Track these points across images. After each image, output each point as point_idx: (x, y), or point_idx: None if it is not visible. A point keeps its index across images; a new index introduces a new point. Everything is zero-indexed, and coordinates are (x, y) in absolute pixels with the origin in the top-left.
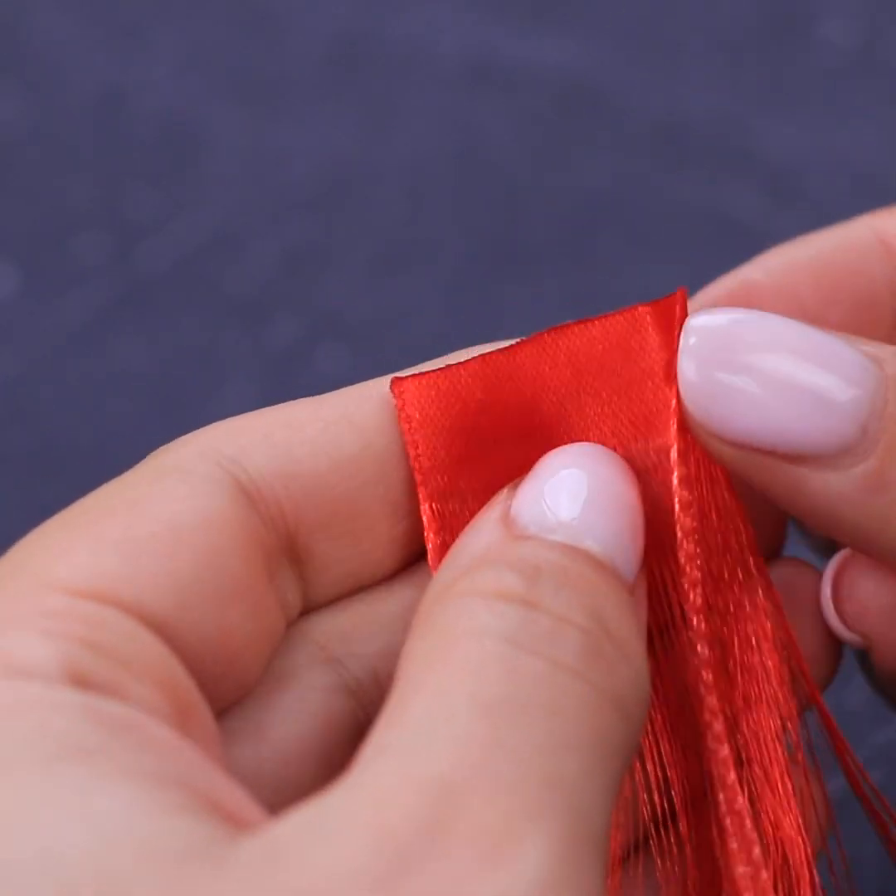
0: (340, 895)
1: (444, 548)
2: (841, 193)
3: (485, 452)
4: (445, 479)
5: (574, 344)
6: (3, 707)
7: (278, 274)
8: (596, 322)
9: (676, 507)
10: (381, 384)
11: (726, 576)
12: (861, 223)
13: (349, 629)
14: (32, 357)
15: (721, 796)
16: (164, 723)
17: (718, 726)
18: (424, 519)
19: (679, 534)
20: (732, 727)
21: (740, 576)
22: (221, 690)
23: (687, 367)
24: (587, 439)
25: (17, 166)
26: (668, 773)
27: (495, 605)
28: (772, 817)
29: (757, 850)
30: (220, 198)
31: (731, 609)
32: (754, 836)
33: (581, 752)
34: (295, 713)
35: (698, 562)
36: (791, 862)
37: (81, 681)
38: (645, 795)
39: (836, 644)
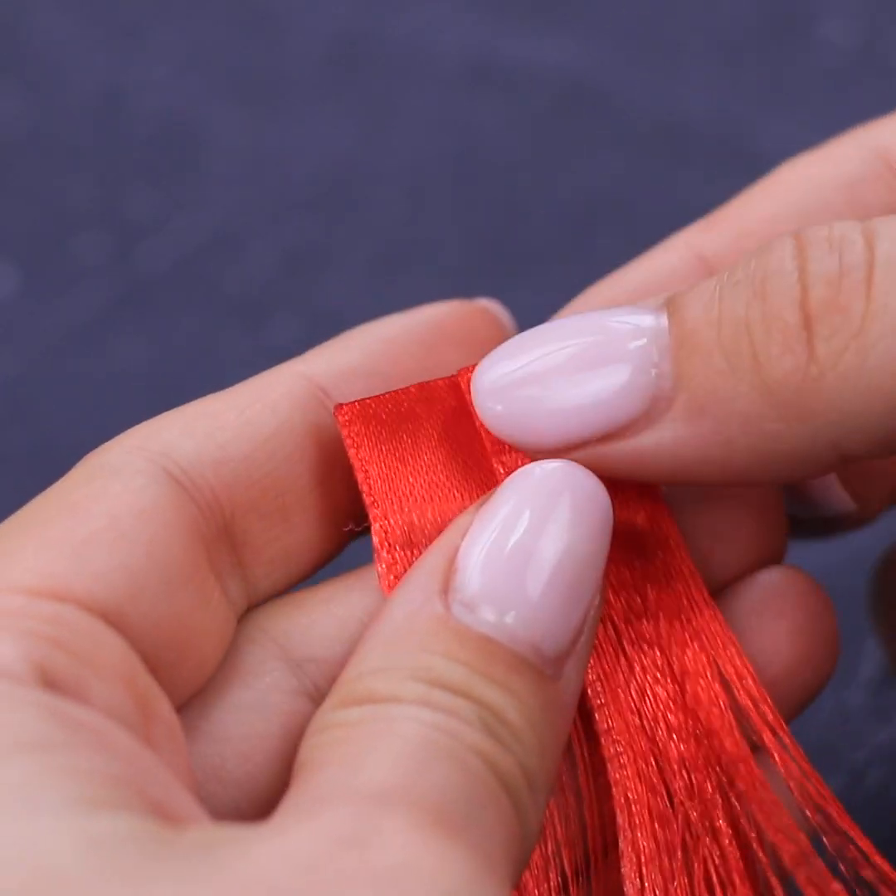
0: (275, 883)
1: (393, 564)
2: None
3: (428, 471)
4: (393, 500)
5: None
6: None
7: (278, 274)
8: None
9: None
10: (289, 366)
11: (664, 603)
12: (675, 245)
13: (312, 632)
14: (32, 357)
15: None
16: (125, 725)
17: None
18: (375, 539)
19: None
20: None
21: (679, 602)
22: (178, 682)
23: (481, 410)
24: (524, 457)
25: (17, 166)
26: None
27: (405, 708)
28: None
29: None
30: (219, 198)
31: (671, 638)
32: None
33: (485, 810)
34: (256, 712)
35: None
36: None
37: (49, 681)
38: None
39: (833, 644)
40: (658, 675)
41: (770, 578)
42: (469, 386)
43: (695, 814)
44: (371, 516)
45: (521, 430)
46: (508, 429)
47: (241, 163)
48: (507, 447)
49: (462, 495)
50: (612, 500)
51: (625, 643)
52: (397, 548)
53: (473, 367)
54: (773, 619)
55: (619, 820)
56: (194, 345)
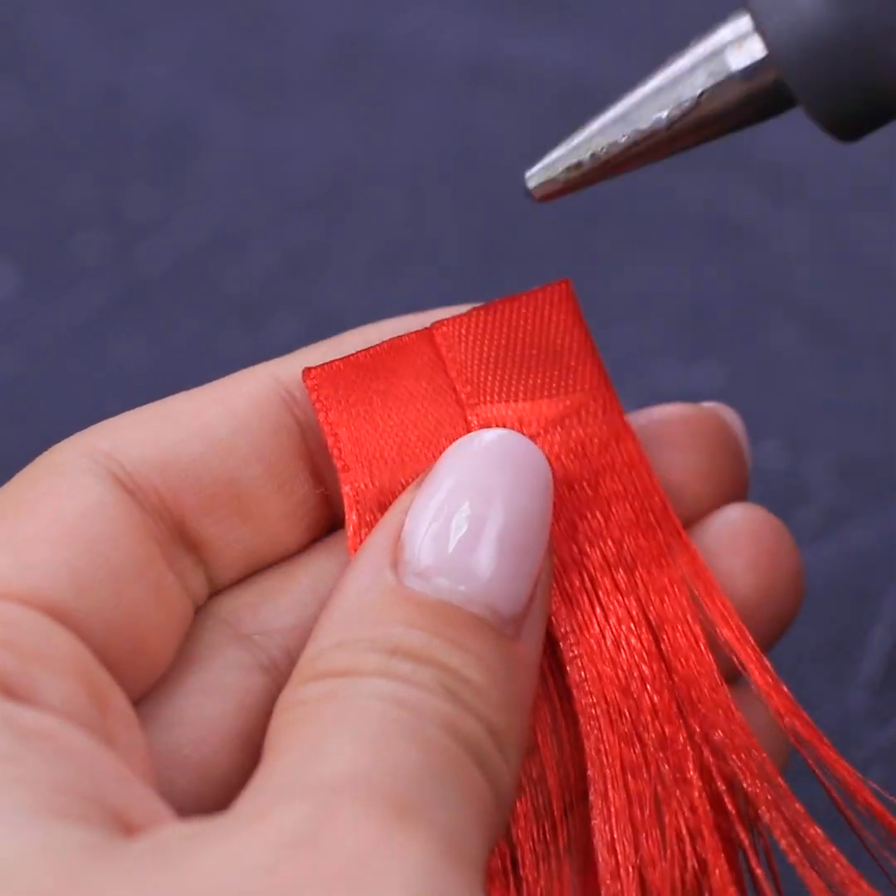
0: (227, 889)
1: (362, 527)
2: (841, 193)
3: (398, 430)
4: (363, 463)
5: (486, 322)
6: None
7: (278, 274)
8: (506, 303)
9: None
10: (263, 367)
11: (641, 550)
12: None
13: (260, 607)
14: (32, 356)
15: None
16: (80, 722)
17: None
18: (345, 501)
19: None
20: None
21: (656, 548)
22: (133, 676)
23: None
24: (499, 407)
25: (17, 166)
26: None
27: (364, 682)
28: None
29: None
30: (219, 197)
31: (648, 586)
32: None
33: (445, 783)
34: (210, 694)
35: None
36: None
37: (3, 688)
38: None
39: (796, 580)
40: (632, 624)
41: (729, 516)
42: (443, 339)
43: (667, 766)
44: (341, 479)
45: None
46: None
47: (241, 163)
48: (481, 399)
49: (435, 455)
50: (587, 449)
51: (600, 593)
52: (368, 511)
53: (446, 320)
54: (732, 556)
55: (590, 772)
56: (194, 345)
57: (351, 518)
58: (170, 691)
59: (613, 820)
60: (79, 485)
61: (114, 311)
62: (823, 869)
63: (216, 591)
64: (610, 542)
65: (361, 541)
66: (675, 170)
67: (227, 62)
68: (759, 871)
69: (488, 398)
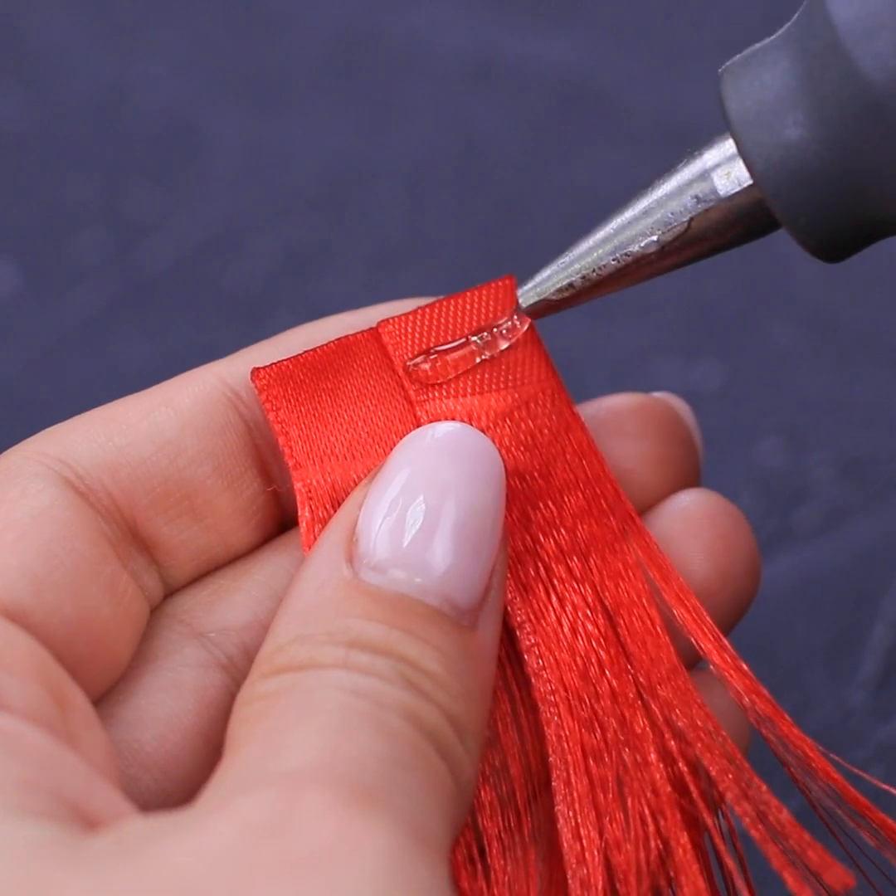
0: (197, 886)
1: (315, 523)
2: None
3: (349, 428)
4: (315, 460)
5: (432, 320)
6: None
7: (278, 272)
8: (451, 300)
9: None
10: (201, 371)
11: (594, 537)
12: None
13: (215, 605)
14: (33, 355)
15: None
16: (41, 722)
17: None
18: (298, 497)
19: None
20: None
21: (610, 534)
22: (92, 675)
23: None
24: (448, 403)
25: (17, 165)
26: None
27: (323, 674)
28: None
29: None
30: (220, 196)
31: (602, 572)
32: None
33: (408, 771)
34: (169, 692)
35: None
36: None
37: None
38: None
39: (752, 562)
40: (588, 611)
41: (683, 502)
42: (390, 337)
43: (627, 749)
44: (293, 476)
45: None
46: None
47: (241, 162)
48: (429, 396)
49: (385, 451)
50: (537, 440)
51: (555, 582)
52: (321, 507)
53: (392, 319)
54: (687, 540)
55: (552, 758)
56: (194, 343)
57: (304, 514)
58: (130, 690)
59: (577, 805)
60: (30, 489)
61: (114, 310)
62: (786, 844)
63: (171, 590)
64: (563, 531)
65: (315, 537)
66: None
67: (227, 62)
68: (723, 849)
69: (436, 394)
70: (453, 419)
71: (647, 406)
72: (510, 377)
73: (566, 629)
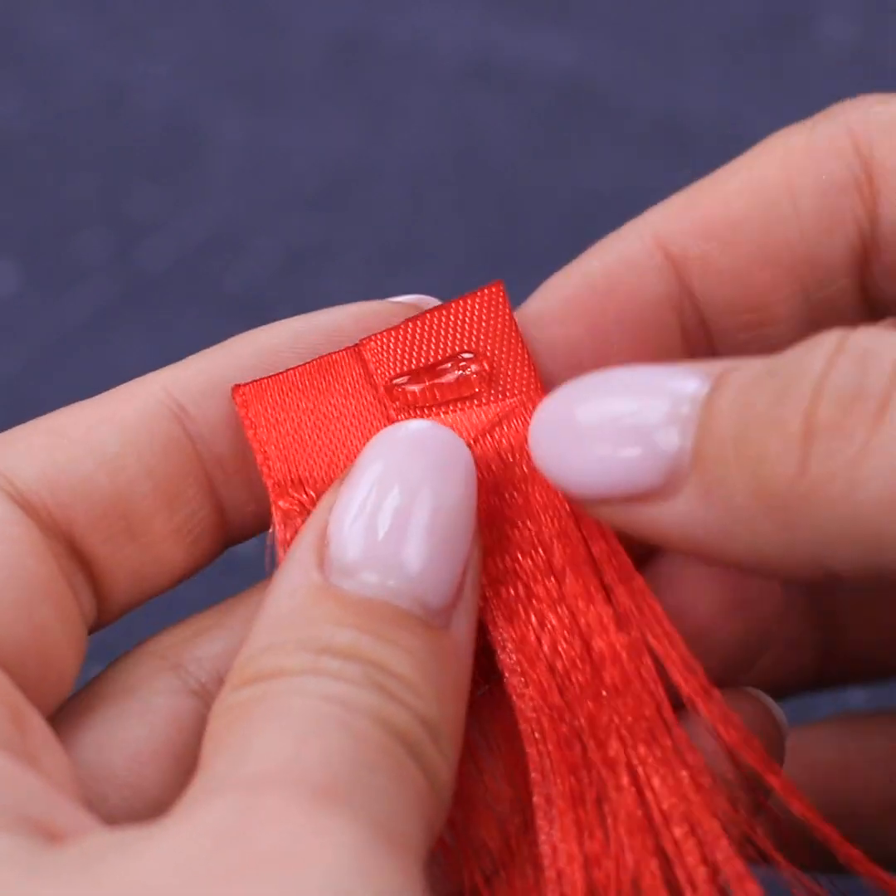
0: (152, 886)
1: (289, 543)
2: None
3: (329, 449)
4: (294, 480)
5: (416, 335)
6: None
7: (279, 272)
8: (436, 312)
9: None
10: (147, 380)
11: (569, 557)
12: (635, 232)
13: (192, 637)
14: (33, 355)
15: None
16: (1, 746)
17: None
18: (276, 516)
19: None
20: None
21: (584, 554)
22: (43, 695)
23: (533, 446)
24: (429, 420)
25: (18, 164)
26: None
27: (293, 681)
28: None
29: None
30: (220, 196)
31: (576, 594)
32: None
33: (377, 772)
34: (141, 717)
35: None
36: None
37: None
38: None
39: (755, 628)
40: (566, 632)
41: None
42: (371, 355)
43: (604, 769)
44: (271, 496)
45: (563, 476)
46: (553, 471)
47: (242, 161)
48: (411, 413)
49: None
50: (517, 456)
51: (534, 602)
52: (297, 527)
53: (375, 335)
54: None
55: (532, 775)
56: (195, 342)
57: (282, 535)
58: (101, 716)
59: (558, 820)
60: None
61: (115, 310)
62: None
63: (109, 615)
64: (541, 551)
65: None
66: (675, 169)
67: (228, 61)
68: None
69: (418, 412)
70: None
71: None
72: (495, 390)
73: (546, 649)
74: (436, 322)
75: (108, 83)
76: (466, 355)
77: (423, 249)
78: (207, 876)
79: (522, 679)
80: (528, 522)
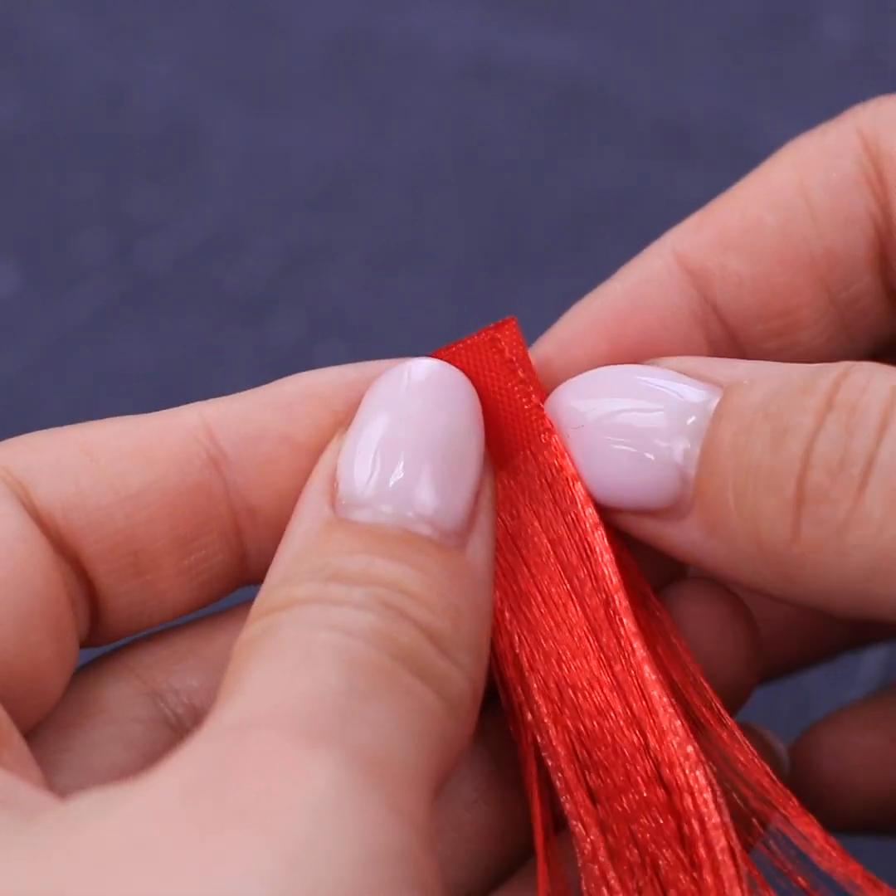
0: (138, 844)
1: None
2: None
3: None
4: None
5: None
6: None
7: (279, 272)
8: (445, 352)
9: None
10: (186, 413)
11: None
12: (655, 252)
13: (172, 666)
14: (33, 355)
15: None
16: None
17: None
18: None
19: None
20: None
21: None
22: (25, 714)
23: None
24: None
25: (18, 164)
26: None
27: (299, 611)
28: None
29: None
30: (220, 196)
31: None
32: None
33: (371, 700)
34: (117, 744)
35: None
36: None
37: None
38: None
39: (754, 654)
40: (588, 656)
41: (679, 591)
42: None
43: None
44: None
45: (590, 480)
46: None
47: (242, 161)
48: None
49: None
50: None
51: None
52: None
53: (504, 328)
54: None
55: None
56: (195, 342)
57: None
58: (79, 740)
59: (591, 841)
60: None
61: (115, 310)
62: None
63: (103, 638)
64: (561, 576)
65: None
66: (675, 169)
67: (228, 61)
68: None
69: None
70: None
71: None
72: (506, 428)
73: (568, 670)
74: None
75: (108, 83)
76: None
77: (423, 249)
78: (182, 828)
79: (547, 698)
80: (541, 548)
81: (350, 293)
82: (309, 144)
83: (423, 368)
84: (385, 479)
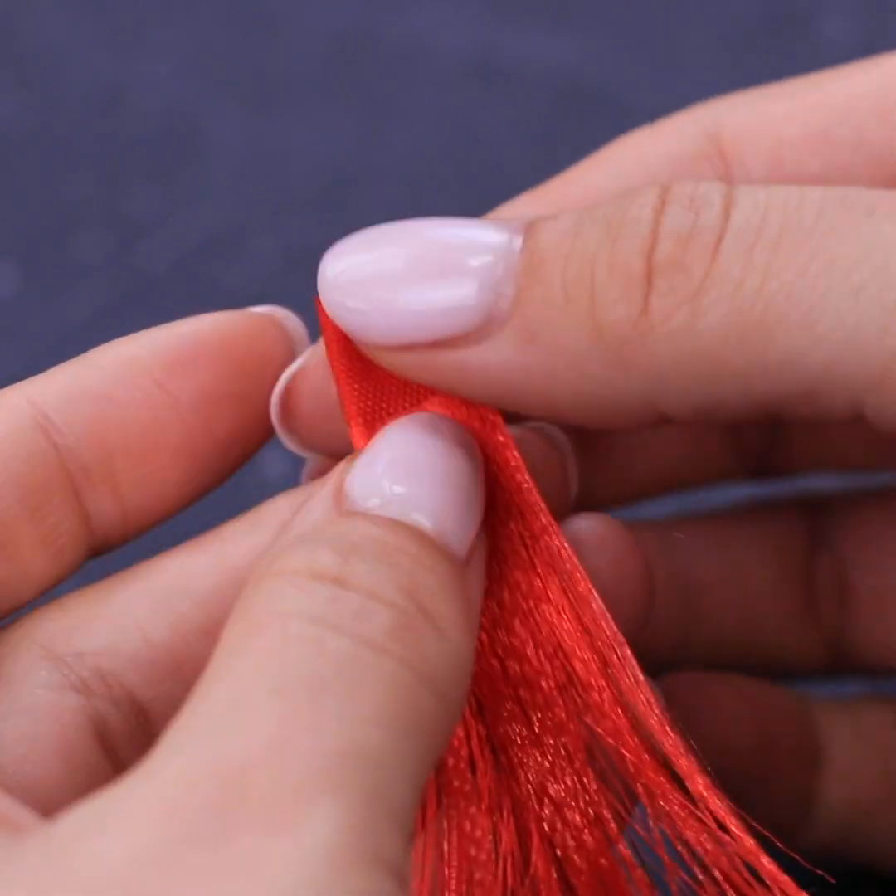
0: (122, 881)
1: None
2: None
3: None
4: (368, 401)
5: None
6: None
7: (278, 272)
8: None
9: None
10: (8, 393)
11: (515, 540)
12: (690, 130)
13: (74, 631)
14: (33, 355)
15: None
16: None
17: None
18: (353, 437)
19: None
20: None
21: (528, 537)
22: None
23: (328, 303)
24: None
25: (17, 165)
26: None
27: (305, 585)
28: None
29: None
30: (220, 196)
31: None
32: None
33: (382, 727)
34: (26, 714)
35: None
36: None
37: None
38: None
39: (647, 583)
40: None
41: (575, 525)
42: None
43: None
44: (350, 414)
45: (362, 327)
46: (351, 323)
47: (241, 161)
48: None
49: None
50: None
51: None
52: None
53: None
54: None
55: None
56: None
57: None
58: None
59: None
60: None
61: (114, 310)
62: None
63: None
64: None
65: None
66: None
67: (227, 61)
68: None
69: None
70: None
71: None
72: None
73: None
74: None
75: (108, 83)
76: None
77: None
78: (192, 847)
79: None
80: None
81: None
82: (309, 144)
83: (436, 418)
84: (393, 499)
